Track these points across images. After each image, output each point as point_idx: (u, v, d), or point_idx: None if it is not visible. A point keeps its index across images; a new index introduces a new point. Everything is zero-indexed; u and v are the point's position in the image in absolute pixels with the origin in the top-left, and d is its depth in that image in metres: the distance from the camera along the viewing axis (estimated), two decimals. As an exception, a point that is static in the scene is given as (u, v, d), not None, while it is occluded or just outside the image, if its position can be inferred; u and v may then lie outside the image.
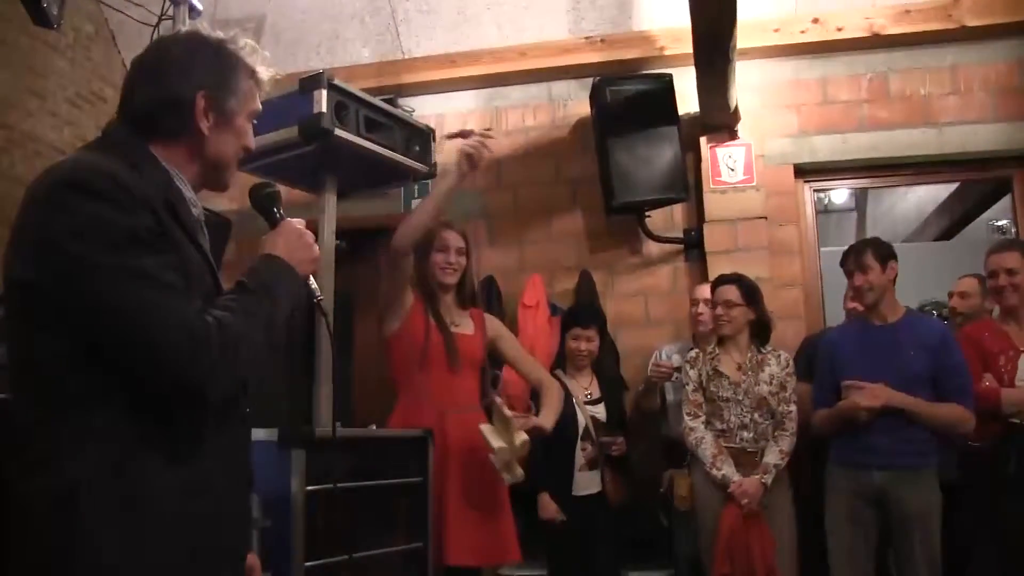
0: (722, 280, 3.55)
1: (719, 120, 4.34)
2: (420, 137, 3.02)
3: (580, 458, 3.65)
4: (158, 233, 1.29)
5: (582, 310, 4.00)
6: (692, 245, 4.54)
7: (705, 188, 4.44)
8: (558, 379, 3.60)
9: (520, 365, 3.37)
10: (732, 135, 4.41)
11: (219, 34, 1.50)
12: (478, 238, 4.56)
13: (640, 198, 4.30)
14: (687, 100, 4.39)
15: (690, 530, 3.57)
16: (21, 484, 1.24)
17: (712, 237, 4.40)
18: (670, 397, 3.97)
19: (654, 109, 4.28)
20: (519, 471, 2.92)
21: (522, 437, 2.90)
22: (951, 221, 5.96)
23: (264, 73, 1.54)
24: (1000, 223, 6.07)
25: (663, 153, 4.27)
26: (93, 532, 1.20)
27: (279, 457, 2.52)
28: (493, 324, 3.38)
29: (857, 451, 3.16)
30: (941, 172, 4.59)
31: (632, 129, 4.26)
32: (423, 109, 4.78)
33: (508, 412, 2.93)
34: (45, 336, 1.25)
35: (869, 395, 3.08)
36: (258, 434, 2.58)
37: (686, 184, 4.34)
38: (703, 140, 4.46)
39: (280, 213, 1.59)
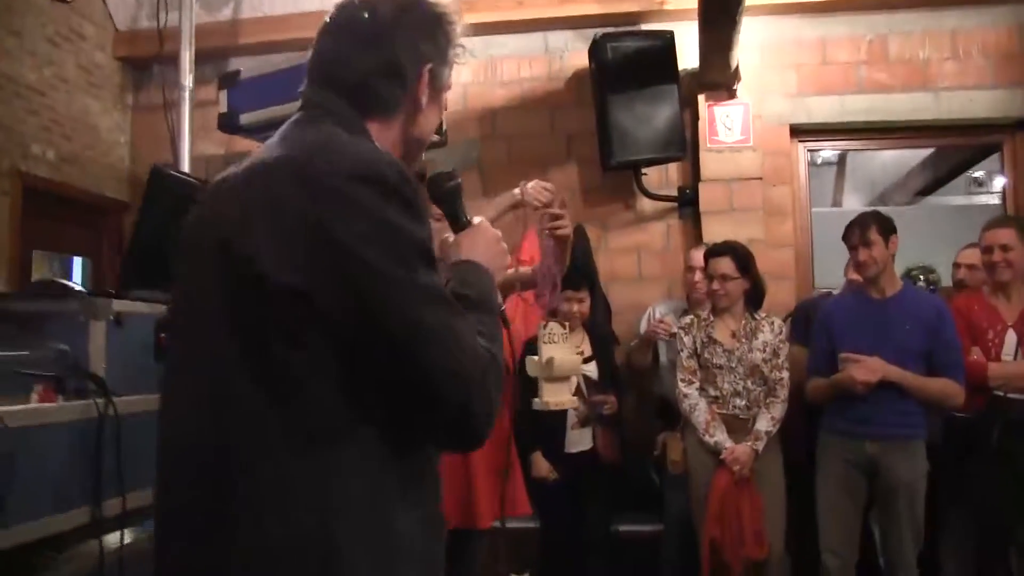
0: (715, 252, 3.55)
1: (719, 79, 4.31)
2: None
3: (572, 416, 3.71)
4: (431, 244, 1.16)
5: (572, 272, 3.98)
6: (686, 203, 4.55)
7: (701, 147, 4.43)
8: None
9: None
10: (731, 94, 4.39)
11: (437, 4, 1.34)
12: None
13: (638, 156, 4.29)
14: (686, 55, 4.35)
15: (681, 490, 3.68)
16: (252, 521, 1.07)
17: (707, 197, 4.42)
18: (663, 356, 4.03)
19: (655, 67, 4.24)
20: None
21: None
22: (935, 176, 6.02)
23: (464, 46, 1.38)
24: (976, 174, 6.16)
25: (662, 111, 4.24)
26: (351, 564, 1.08)
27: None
28: None
29: (851, 421, 3.25)
30: (935, 136, 4.62)
31: (632, 86, 4.22)
32: (417, 56, 4.68)
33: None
34: (300, 351, 1.07)
35: (866, 370, 3.16)
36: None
37: (684, 143, 4.33)
38: (701, 98, 4.43)
39: (467, 212, 1.44)
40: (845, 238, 3.40)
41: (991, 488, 3.26)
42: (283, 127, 1.27)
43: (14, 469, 1.56)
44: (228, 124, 2.61)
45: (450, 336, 1.09)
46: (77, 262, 5.02)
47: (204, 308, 1.14)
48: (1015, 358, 3.31)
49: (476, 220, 1.43)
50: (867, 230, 3.29)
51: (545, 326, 2.90)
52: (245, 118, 2.61)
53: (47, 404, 1.66)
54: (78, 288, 1.95)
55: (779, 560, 3.35)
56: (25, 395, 1.70)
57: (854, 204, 6.54)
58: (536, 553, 3.82)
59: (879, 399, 3.19)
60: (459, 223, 1.42)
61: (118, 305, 1.91)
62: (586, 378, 3.78)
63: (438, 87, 1.33)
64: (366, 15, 1.28)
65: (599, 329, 4.08)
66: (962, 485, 3.37)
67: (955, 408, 3.26)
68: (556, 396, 2.80)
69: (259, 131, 2.69)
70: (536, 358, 2.80)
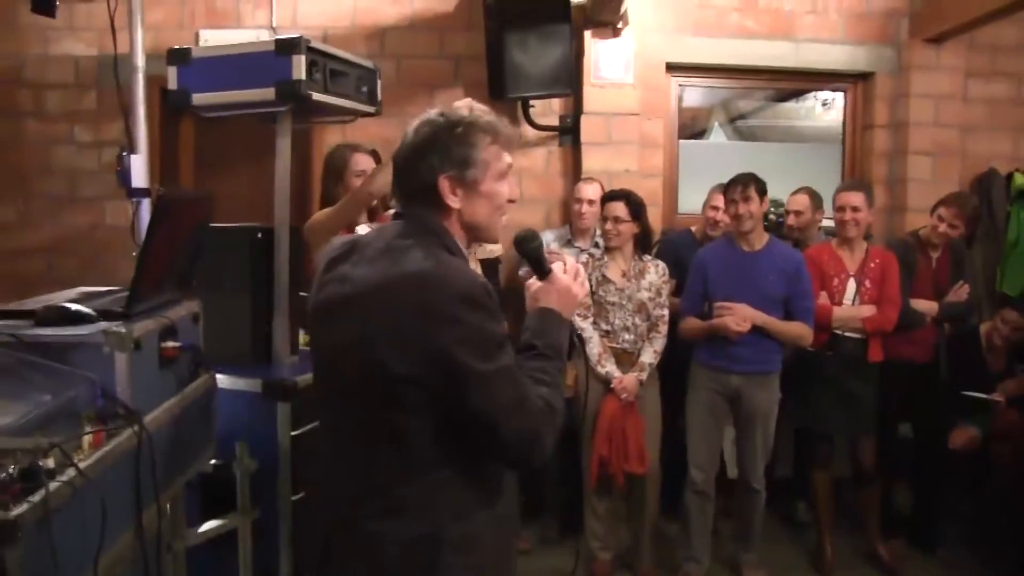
0: (612, 196, 3.87)
1: (608, 18, 4.51)
2: (369, 78, 3.03)
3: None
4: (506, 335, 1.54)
5: None
6: (566, 131, 4.81)
7: (585, 81, 4.66)
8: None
9: None
10: (616, 33, 4.60)
11: (454, 113, 1.62)
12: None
13: (529, 93, 4.47)
14: (575, -11, 4.49)
15: (564, 405, 4.11)
16: (372, 524, 1.54)
17: (588, 129, 4.70)
18: (548, 281, 4.38)
19: (549, 5, 4.35)
20: None
21: None
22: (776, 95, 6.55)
23: (505, 130, 1.68)
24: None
25: (554, 50, 4.40)
26: (450, 566, 1.52)
27: (259, 403, 2.73)
28: None
29: (721, 357, 3.76)
30: (792, 80, 5.09)
31: (527, 24, 4.34)
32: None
33: None
34: (413, 416, 1.49)
35: (738, 318, 3.65)
36: (237, 384, 2.78)
37: (572, 81, 4.53)
38: (588, 34, 4.62)
39: (549, 263, 1.74)
40: (727, 192, 3.81)
41: (822, 407, 3.95)
42: (394, 243, 1.59)
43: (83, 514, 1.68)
44: (179, 102, 2.58)
45: (518, 407, 1.50)
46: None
47: (341, 382, 1.59)
48: (853, 303, 3.92)
49: (555, 266, 1.75)
50: (748, 188, 3.70)
51: None
52: (198, 98, 2.59)
53: (106, 448, 1.78)
54: (91, 313, 1.99)
55: (655, 473, 3.90)
56: (75, 433, 1.79)
57: (693, 101, 6.95)
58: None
59: (745, 340, 3.68)
60: (542, 272, 1.74)
61: (137, 331, 1.99)
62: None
63: (467, 185, 1.61)
64: (407, 149, 1.63)
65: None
66: (799, 403, 4.03)
67: (804, 345, 3.86)
68: None
69: (211, 111, 2.69)
70: None
